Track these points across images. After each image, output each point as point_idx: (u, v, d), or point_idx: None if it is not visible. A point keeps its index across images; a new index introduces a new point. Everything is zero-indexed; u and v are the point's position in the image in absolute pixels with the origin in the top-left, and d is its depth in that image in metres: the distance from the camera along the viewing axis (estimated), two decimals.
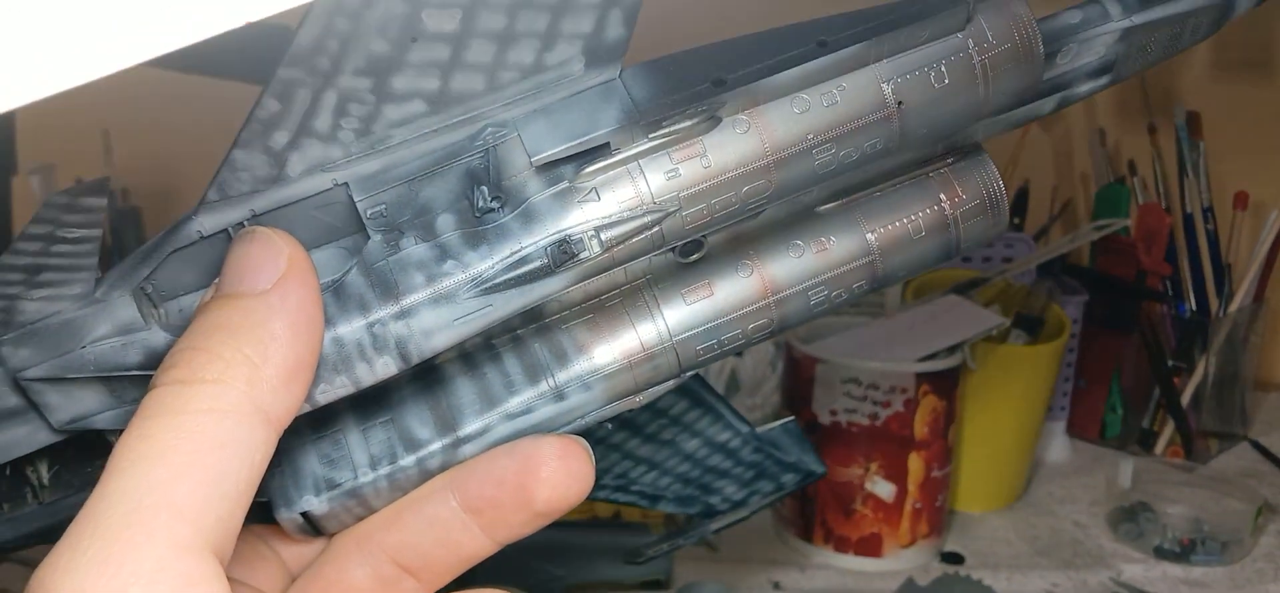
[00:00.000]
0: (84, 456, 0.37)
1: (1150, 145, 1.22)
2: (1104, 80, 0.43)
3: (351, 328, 0.33)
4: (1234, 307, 1.20)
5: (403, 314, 0.34)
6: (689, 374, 0.39)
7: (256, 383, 0.30)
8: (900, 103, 0.37)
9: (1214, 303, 1.20)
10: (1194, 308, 1.20)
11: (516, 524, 0.36)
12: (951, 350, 0.98)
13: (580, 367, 0.37)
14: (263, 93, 0.33)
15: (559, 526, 1.00)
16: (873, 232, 0.39)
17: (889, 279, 0.40)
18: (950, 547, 1.04)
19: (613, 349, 0.37)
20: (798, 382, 1.00)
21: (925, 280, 1.11)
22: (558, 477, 0.36)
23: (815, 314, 0.39)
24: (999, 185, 0.41)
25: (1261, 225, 1.19)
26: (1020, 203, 1.27)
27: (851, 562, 1.00)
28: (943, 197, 0.40)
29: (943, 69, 0.37)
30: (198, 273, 0.35)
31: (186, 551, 0.28)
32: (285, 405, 0.31)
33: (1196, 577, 1.01)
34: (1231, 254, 1.21)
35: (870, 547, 1.00)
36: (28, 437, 0.35)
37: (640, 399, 0.38)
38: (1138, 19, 0.42)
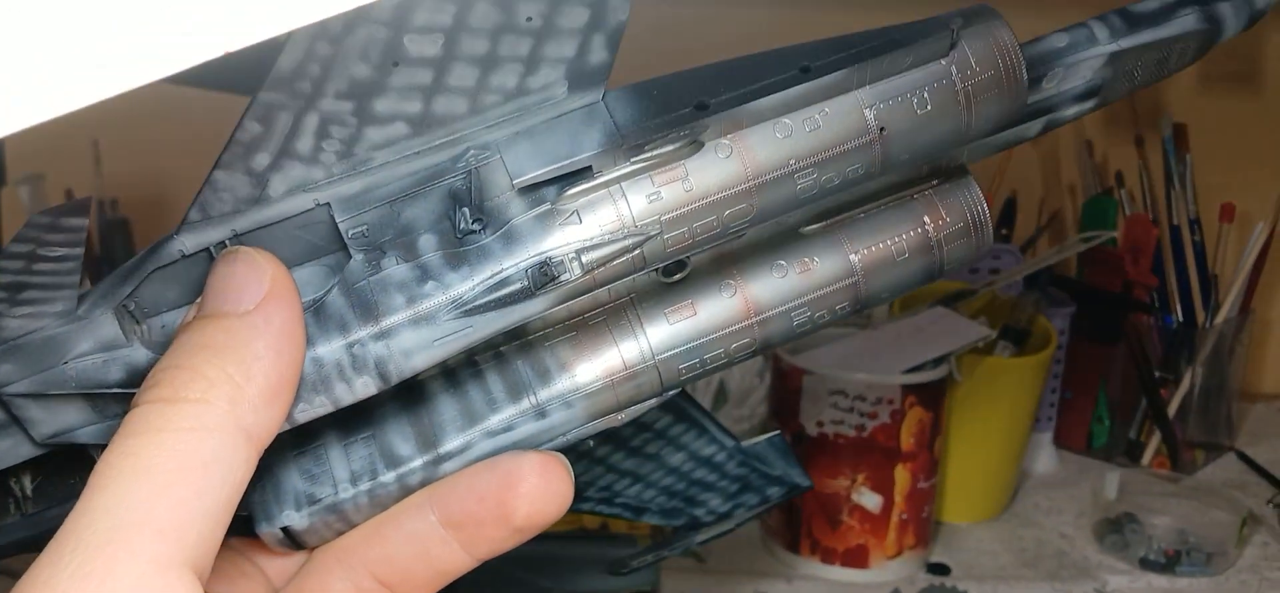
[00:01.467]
0: (67, 468, 0.37)
1: (1137, 157, 1.22)
2: (1090, 104, 0.43)
3: (331, 348, 0.34)
4: (1220, 318, 1.20)
5: (382, 335, 0.34)
6: (671, 393, 0.39)
7: (239, 402, 0.31)
8: (882, 129, 0.37)
9: (1200, 314, 1.20)
10: (1180, 319, 1.20)
11: (496, 540, 0.36)
12: (938, 362, 0.98)
13: (562, 385, 0.37)
14: (244, 115, 0.33)
15: (545, 537, 0.99)
16: (856, 253, 0.39)
17: (872, 301, 0.40)
18: (936, 558, 1.04)
19: (595, 367, 0.37)
20: (785, 393, 1.00)
21: (912, 293, 1.11)
22: (537, 492, 0.36)
23: (798, 335, 0.39)
24: (983, 208, 0.41)
25: (1247, 237, 1.20)
26: (1007, 214, 1.27)
27: (838, 573, 1.00)
28: (927, 219, 0.40)
29: (925, 95, 0.37)
30: (180, 290, 0.35)
31: (167, 568, 0.28)
32: (267, 425, 0.31)
33: (1181, 588, 1.01)
34: (1218, 265, 1.21)
35: (856, 558, 1.00)
36: (10, 450, 0.35)
37: (622, 417, 0.38)
38: (1125, 43, 0.42)
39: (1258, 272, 1.21)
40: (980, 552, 1.06)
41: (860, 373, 0.96)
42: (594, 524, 1.00)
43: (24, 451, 0.35)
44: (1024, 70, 0.39)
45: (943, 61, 0.38)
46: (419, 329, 0.34)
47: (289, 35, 0.31)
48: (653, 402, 0.39)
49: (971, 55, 0.38)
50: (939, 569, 1.03)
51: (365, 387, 0.34)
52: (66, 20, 0.28)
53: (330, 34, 0.31)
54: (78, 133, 1.12)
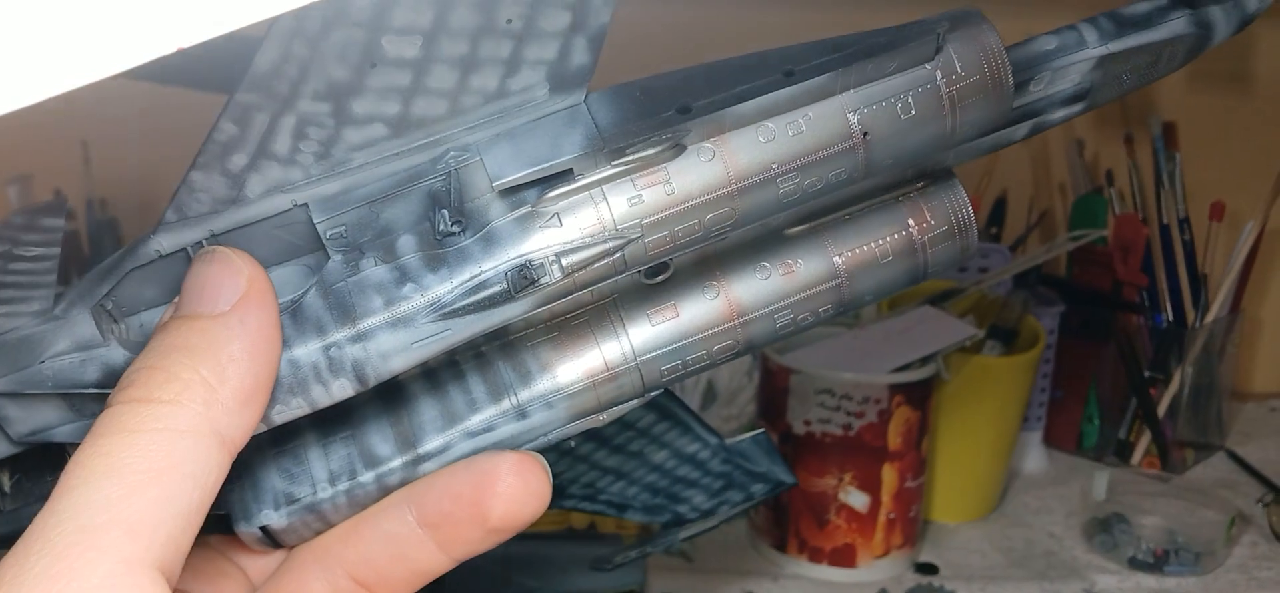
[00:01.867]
0: (45, 465, 0.37)
1: (1127, 156, 1.22)
2: (1078, 107, 0.43)
3: (308, 350, 0.33)
4: (1210, 317, 1.20)
5: (359, 337, 0.34)
6: (653, 393, 0.39)
7: (213, 404, 0.31)
8: (866, 133, 0.37)
9: (1190, 314, 1.20)
10: (1170, 318, 1.20)
11: (472, 540, 0.36)
12: (925, 361, 0.98)
13: (543, 385, 0.37)
14: (220, 116, 0.33)
15: (534, 537, 0.99)
16: (840, 255, 0.39)
17: (855, 303, 0.40)
18: (924, 558, 1.04)
19: (577, 368, 0.37)
20: (772, 392, 1.00)
21: (900, 292, 1.11)
22: (514, 492, 0.36)
23: (781, 336, 0.39)
24: (968, 211, 0.41)
25: (1237, 236, 1.19)
26: (997, 213, 1.27)
27: (825, 572, 1.00)
28: (911, 222, 0.40)
29: (910, 100, 0.37)
30: (158, 290, 0.35)
31: (134, 568, 0.28)
32: (241, 428, 0.31)
33: (1169, 588, 1.01)
34: (1207, 265, 1.21)
35: (844, 557, 1.00)
36: None
37: (604, 418, 0.38)
38: (1113, 46, 0.42)
39: (1247, 271, 1.21)
40: (968, 551, 1.06)
41: (847, 372, 0.96)
42: (582, 523, 1.00)
43: (1, 449, 0.35)
44: (1010, 75, 0.39)
45: (928, 66, 0.38)
46: (397, 331, 0.34)
47: (265, 36, 0.31)
48: (634, 402, 0.39)
49: (957, 60, 0.38)
50: (927, 569, 1.03)
51: (342, 389, 0.34)
52: (17, 16, 0.28)
53: (307, 35, 0.31)
54: (67, 133, 1.12)
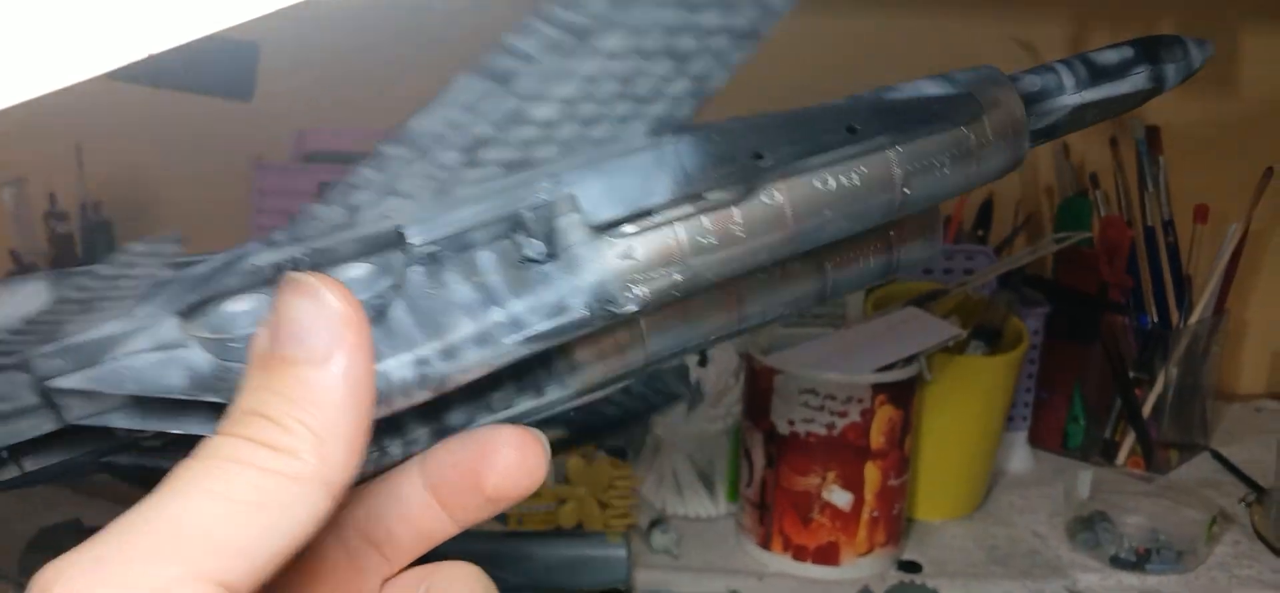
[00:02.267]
0: (59, 434, 0.38)
1: (1112, 159, 1.24)
2: (1044, 141, 0.47)
3: (398, 363, 0.34)
4: (1194, 318, 1.21)
5: (449, 354, 0.35)
6: (649, 369, 0.41)
7: (324, 457, 0.31)
8: (907, 189, 0.40)
9: (1175, 315, 1.21)
10: (1155, 320, 1.21)
11: (471, 508, 0.38)
12: (908, 361, 0.99)
13: (559, 362, 0.39)
14: (363, 163, 0.34)
15: (521, 535, 1.01)
16: (830, 261, 0.43)
17: (833, 295, 0.43)
18: (908, 556, 1.05)
19: (590, 350, 0.39)
20: (757, 392, 1.01)
21: (885, 292, 1.12)
22: (509, 466, 0.37)
23: (765, 323, 0.43)
24: (938, 219, 0.45)
25: (1221, 238, 1.21)
26: (984, 215, 1.28)
27: (809, 570, 1.01)
28: (892, 232, 0.44)
29: (946, 158, 0.41)
30: (236, 280, 0.35)
31: (199, 581, 0.28)
32: (347, 477, 0.32)
33: (1151, 586, 1.02)
34: (1192, 266, 1.22)
35: (827, 555, 1.01)
36: (33, 427, 0.36)
37: (605, 392, 0.41)
38: (1088, 96, 0.46)
39: (1231, 272, 1.22)
40: (952, 549, 1.07)
41: (831, 372, 0.97)
42: (569, 523, 1.01)
43: (46, 426, 0.36)
44: (1028, 140, 0.43)
45: (964, 129, 0.41)
46: (481, 348, 0.35)
47: (432, 103, 0.33)
48: (631, 378, 0.41)
49: (990, 126, 0.42)
50: (910, 567, 1.04)
51: (422, 397, 0.35)
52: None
53: (471, 104, 0.33)
54: (61, 136, 1.13)
